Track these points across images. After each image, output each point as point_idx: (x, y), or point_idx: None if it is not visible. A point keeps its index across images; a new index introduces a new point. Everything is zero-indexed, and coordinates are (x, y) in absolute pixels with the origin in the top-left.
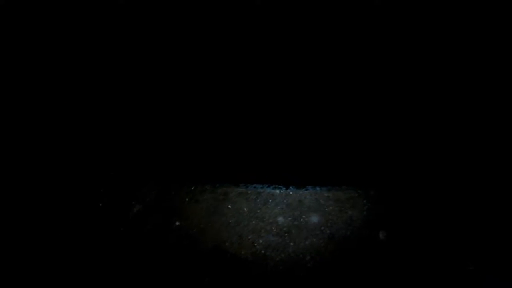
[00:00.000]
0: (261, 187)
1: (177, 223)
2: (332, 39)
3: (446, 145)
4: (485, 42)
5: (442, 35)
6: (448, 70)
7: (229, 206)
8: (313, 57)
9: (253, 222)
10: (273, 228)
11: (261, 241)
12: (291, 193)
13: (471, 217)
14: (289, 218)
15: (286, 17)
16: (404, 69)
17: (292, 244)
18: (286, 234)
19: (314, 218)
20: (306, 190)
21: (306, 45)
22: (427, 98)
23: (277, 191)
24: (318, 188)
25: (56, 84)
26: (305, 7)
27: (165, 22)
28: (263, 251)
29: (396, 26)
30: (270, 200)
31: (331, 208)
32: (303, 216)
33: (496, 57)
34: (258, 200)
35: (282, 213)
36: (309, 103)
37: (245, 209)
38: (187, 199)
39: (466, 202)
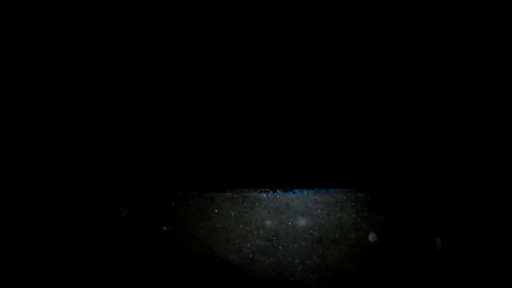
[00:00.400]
0: (248, 191)
1: (164, 228)
2: (332, 39)
3: (436, 146)
4: (486, 42)
5: (442, 35)
6: (447, 70)
7: (216, 211)
8: (312, 58)
9: (240, 226)
10: (261, 232)
11: (248, 245)
12: (278, 196)
13: (466, 220)
14: (277, 222)
15: (286, 17)
16: (402, 69)
17: (280, 248)
18: (274, 238)
19: (302, 222)
20: (293, 193)
21: (305, 45)
22: (423, 99)
23: (264, 195)
24: (305, 191)
25: (53, 85)
26: (305, 7)
27: (164, 22)
28: (251, 255)
29: (396, 26)
30: (257, 204)
31: (319, 211)
32: (291, 220)
33: (496, 57)
34: (244, 204)
35: (269, 217)
36: (302, 104)
37: (232, 213)
38: (173, 204)
39: (458, 204)
